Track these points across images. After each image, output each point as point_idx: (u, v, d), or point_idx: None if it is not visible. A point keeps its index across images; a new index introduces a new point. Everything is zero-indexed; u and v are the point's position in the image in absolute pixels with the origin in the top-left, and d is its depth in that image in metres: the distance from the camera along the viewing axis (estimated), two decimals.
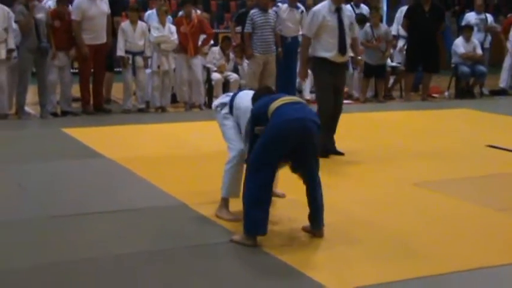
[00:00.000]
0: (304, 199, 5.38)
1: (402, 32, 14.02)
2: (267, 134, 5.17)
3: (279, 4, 13.22)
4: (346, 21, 8.27)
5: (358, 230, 5.60)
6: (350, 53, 8.73)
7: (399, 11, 14.87)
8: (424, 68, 13.50)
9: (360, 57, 8.96)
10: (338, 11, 8.23)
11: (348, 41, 8.30)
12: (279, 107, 5.21)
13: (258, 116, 5.33)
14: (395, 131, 10.19)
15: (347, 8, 8.50)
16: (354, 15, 8.66)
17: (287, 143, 5.15)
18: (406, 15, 13.66)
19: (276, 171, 5.33)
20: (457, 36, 14.57)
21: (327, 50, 8.23)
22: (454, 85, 14.34)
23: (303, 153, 5.27)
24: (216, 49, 12.71)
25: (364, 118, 11.22)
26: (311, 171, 5.35)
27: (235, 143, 5.83)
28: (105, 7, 11.35)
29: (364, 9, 14.44)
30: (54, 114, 11.15)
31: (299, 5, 12.96)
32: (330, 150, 8.25)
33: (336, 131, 8.41)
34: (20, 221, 5.72)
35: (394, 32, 14.06)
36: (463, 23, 14.91)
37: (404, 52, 13.91)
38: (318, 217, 5.38)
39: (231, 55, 12.70)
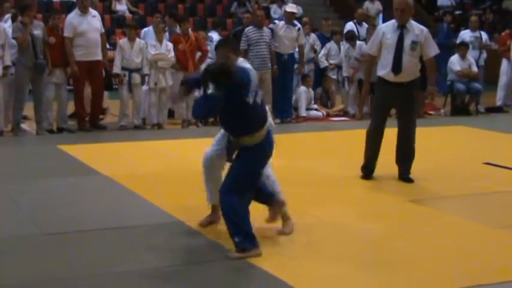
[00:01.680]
0: None
1: None
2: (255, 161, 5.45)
3: (276, 21, 13.25)
4: (407, 41, 7.76)
5: (353, 244, 5.58)
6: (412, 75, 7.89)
7: None
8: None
9: (430, 87, 8.24)
10: (401, 29, 7.81)
11: (407, 60, 7.75)
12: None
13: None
14: (391, 148, 10.13)
15: (417, 27, 7.86)
16: (425, 34, 7.81)
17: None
18: None
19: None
20: (453, 54, 14.58)
21: (382, 67, 7.91)
22: (449, 102, 14.35)
23: None
24: None
25: (359, 135, 11.18)
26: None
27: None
28: (98, 24, 11.36)
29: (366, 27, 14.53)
30: (50, 131, 11.11)
31: (296, 22, 12.98)
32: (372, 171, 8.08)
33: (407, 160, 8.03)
34: (15, 238, 5.68)
35: None
36: (458, 41, 14.94)
37: None
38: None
39: None
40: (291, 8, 13.40)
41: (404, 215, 6.56)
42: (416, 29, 7.84)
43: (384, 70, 7.85)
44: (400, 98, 7.85)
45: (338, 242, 5.69)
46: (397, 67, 7.75)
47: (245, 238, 5.24)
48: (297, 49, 13.07)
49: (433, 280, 4.88)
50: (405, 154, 8.03)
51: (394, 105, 8.06)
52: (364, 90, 8.51)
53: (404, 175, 7.97)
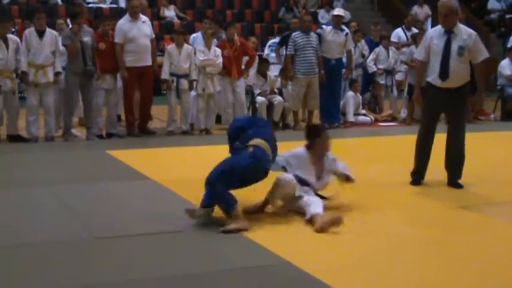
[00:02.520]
0: None
1: None
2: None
3: (324, 26, 13.25)
4: (454, 46, 7.65)
5: (402, 250, 5.54)
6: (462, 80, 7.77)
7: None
8: None
9: (477, 94, 8.10)
10: (448, 34, 7.72)
11: (455, 66, 7.64)
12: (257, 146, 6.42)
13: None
14: (440, 154, 10.05)
15: (465, 31, 7.75)
16: (473, 38, 7.67)
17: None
18: None
19: None
20: (504, 58, 14.43)
21: (431, 73, 7.85)
22: (500, 107, 14.19)
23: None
24: (254, 72, 12.70)
25: (408, 140, 11.11)
26: None
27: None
28: (148, 30, 11.47)
29: (415, 32, 14.48)
30: (100, 136, 11.25)
31: (344, 27, 12.96)
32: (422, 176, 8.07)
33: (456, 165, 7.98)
34: (65, 241, 5.74)
35: None
36: (509, 45, 14.79)
37: None
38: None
39: (270, 76, 12.67)
40: (338, 11, 13.40)
41: (452, 220, 6.50)
42: (465, 33, 7.72)
43: (432, 76, 7.79)
44: (449, 103, 7.78)
45: (379, 246, 5.67)
46: (444, 73, 7.67)
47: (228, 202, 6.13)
48: (345, 54, 13.05)
49: (473, 284, 4.83)
50: (454, 160, 7.95)
51: (443, 110, 7.99)
52: (415, 96, 8.41)
53: (453, 180, 7.90)
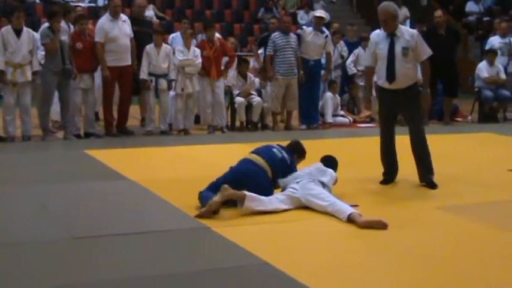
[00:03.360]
0: None
1: None
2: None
3: (304, 27, 13.29)
4: (398, 48, 7.83)
5: (385, 250, 5.59)
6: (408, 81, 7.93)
7: None
8: (443, 92, 13.47)
9: (422, 90, 8.23)
10: (391, 37, 7.89)
11: (401, 67, 7.80)
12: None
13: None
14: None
15: (407, 32, 7.98)
16: (415, 38, 7.88)
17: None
18: None
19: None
20: (481, 61, 14.54)
21: (379, 76, 8.05)
22: (477, 109, 14.30)
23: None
24: (234, 73, 12.72)
25: None
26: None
27: None
28: (128, 29, 11.45)
29: None
30: (78, 136, 11.22)
31: (324, 29, 13.01)
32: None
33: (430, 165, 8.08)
34: (43, 242, 5.73)
35: None
36: (487, 47, 14.87)
37: None
38: None
39: (250, 76, 12.70)
40: (319, 13, 13.44)
41: (429, 221, 6.55)
42: (407, 34, 7.93)
43: (380, 79, 8.00)
44: (401, 103, 7.98)
45: (357, 247, 5.71)
46: (390, 75, 7.85)
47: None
48: (324, 55, 13.10)
49: (458, 287, 4.88)
50: (420, 156, 8.07)
51: (397, 111, 8.19)
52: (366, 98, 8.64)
53: (426, 179, 7.99)
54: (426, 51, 7.99)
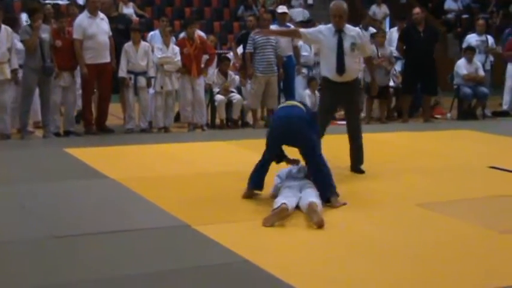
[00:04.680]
0: None
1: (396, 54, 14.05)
2: (269, 127, 7.41)
3: (271, 26, 13.26)
4: (346, 43, 8.35)
5: (364, 248, 5.60)
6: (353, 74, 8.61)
7: (388, 32, 15.06)
8: (422, 90, 13.52)
9: (371, 82, 8.96)
10: (339, 33, 8.36)
11: (349, 61, 8.34)
12: (277, 110, 7.35)
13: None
14: (398, 152, 10.18)
15: (352, 29, 8.51)
16: (360, 35, 8.57)
17: (274, 134, 7.06)
18: (401, 38, 13.70)
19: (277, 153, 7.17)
20: (460, 58, 14.60)
21: (327, 70, 8.46)
22: (456, 106, 14.36)
23: (294, 142, 7.01)
24: (215, 71, 12.70)
25: (366, 139, 11.19)
26: (307, 156, 7.01)
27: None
28: (106, 26, 11.41)
29: (373, 31, 14.63)
30: (57, 134, 11.17)
31: (289, 24, 13.04)
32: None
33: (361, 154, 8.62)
34: (23, 241, 5.70)
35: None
36: (464, 45, 14.93)
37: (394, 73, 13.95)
38: (324, 191, 6.79)
39: (231, 74, 12.67)
40: (282, 9, 13.62)
41: (408, 219, 6.57)
42: (353, 31, 8.50)
43: (329, 72, 8.43)
44: (346, 95, 8.43)
45: (338, 244, 5.73)
46: (340, 68, 8.32)
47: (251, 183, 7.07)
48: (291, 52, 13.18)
49: (436, 283, 4.91)
50: (356, 148, 8.59)
51: (340, 103, 8.73)
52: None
53: (356, 167, 8.54)
54: (371, 48, 8.81)
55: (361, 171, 8.53)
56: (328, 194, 6.84)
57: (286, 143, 7.14)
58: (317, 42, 8.86)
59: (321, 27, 8.82)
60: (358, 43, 8.43)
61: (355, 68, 8.60)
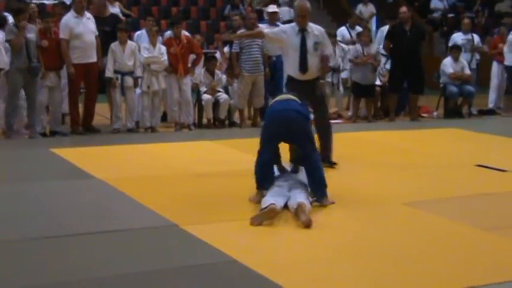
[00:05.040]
0: None
1: (383, 52, 14.08)
2: (264, 122, 7.19)
3: (259, 25, 13.26)
4: (310, 42, 8.53)
5: (352, 247, 5.62)
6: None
7: (380, 30, 15.08)
8: (409, 88, 13.55)
9: (322, 81, 8.94)
10: (302, 32, 8.53)
11: (311, 60, 8.53)
12: (272, 104, 7.10)
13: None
14: (384, 150, 10.20)
15: (315, 28, 8.69)
16: (323, 34, 8.76)
17: (272, 129, 6.90)
18: (387, 36, 13.74)
19: (274, 150, 7.03)
20: (446, 57, 14.64)
21: (291, 68, 8.63)
22: (442, 105, 14.41)
23: (292, 137, 6.93)
24: (202, 70, 12.68)
25: (352, 138, 11.24)
26: (305, 151, 6.90)
27: None
28: (93, 26, 11.37)
29: (359, 30, 14.65)
30: (43, 135, 11.13)
31: (279, 23, 13.03)
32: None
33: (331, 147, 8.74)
34: (9, 242, 5.68)
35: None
36: (450, 44, 14.98)
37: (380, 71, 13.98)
38: (317, 188, 6.83)
39: (218, 74, 12.66)
40: (272, 8, 13.61)
41: (395, 218, 6.59)
42: (316, 30, 8.69)
43: (292, 70, 8.62)
44: (309, 93, 8.43)
45: (326, 243, 5.74)
46: (303, 67, 8.53)
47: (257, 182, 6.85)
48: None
49: (423, 282, 4.93)
50: (325, 142, 8.64)
51: (306, 100, 8.53)
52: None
53: (327, 160, 8.51)
54: (330, 47, 9.06)
55: (333, 164, 8.67)
56: (321, 192, 6.84)
57: (285, 138, 7.03)
58: (280, 42, 8.87)
59: (285, 26, 9.03)
60: (321, 42, 8.64)
61: (317, 67, 8.68)
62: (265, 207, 6.22)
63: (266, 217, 6.17)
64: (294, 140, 7.01)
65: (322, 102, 8.85)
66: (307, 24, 8.60)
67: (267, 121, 7.09)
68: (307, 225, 6.06)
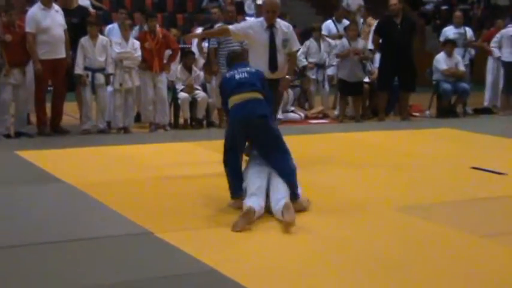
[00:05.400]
0: None
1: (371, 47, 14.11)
2: (228, 128, 7.23)
3: (247, 18, 13.24)
4: (278, 39, 8.62)
5: (337, 254, 5.63)
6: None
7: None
8: (399, 86, 13.58)
9: (287, 77, 9.03)
10: (270, 29, 8.61)
11: (280, 58, 8.66)
12: (232, 106, 6.96)
13: (225, 92, 7.16)
14: (374, 152, 10.23)
15: (283, 24, 8.81)
16: (290, 30, 8.84)
17: (237, 134, 6.95)
18: (376, 30, 13.75)
19: (241, 153, 7.08)
20: (438, 52, 14.67)
21: (258, 66, 8.36)
22: (435, 103, 14.46)
23: (257, 140, 7.07)
24: (178, 67, 12.67)
25: (339, 139, 11.26)
26: (266, 152, 7.03)
27: None
28: (62, 19, 11.32)
29: (347, 24, 14.64)
30: (7, 136, 11.07)
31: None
32: None
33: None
34: None
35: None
36: (442, 38, 15.04)
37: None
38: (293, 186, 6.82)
39: (195, 70, 12.65)
40: (261, 0, 13.50)
41: (386, 224, 6.60)
42: (284, 26, 8.80)
43: (260, 69, 8.29)
44: (275, 92, 8.53)
45: (308, 251, 5.75)
46: (273, 65, 8.62)
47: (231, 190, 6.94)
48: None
49: None
50: None
51: None
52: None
53: None
54: (297, 43, 9.13)
55: None
56: (294, 193, 6.82)
57: (249, 136, 7.05)
58: (247, 38, 8.91)
59: (252, 21, 9.15)
60: (289, 39, 8.75)
61: (285, 65, 8.83)
62: (244, 211, 6.33)
63: (246, 221, 6.24)
64: (261, 145, 7.10)
65: (279, 103, 9.02)
66: (275, 20, 8.69)
67: (230, 130, 7.11)
68: (290, 223, 6.17)
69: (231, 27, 9.00)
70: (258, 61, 8.51)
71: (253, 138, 7.07)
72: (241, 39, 9.52)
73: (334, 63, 14.02)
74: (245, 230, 6.14)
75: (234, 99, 6.97)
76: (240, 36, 9.19)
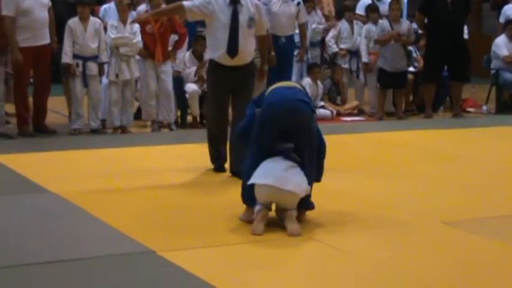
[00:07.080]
0: None
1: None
2: (259, 116, 6.81)
3: None
4: (243, 18, 8.58)
5: (378, 272, 5.70)
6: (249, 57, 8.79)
7: None
8: (450, 76, 13.53)
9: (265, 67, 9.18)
10: (234, 5, 8.53)
11: (244, 40, 8.57)
12: (272, 89, 6.86)
13: (260, 99, 6.96)
14: (418, 156, 10.24)
15: (250, 2, 8.71)
16: (259, 8, 8.84)
17: (272, 123, 6.70)
18: (421, 9, 13.69)
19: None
20: (498, 35, 14.59)
21: (214, 49, 8.58)
22: (494, 97, 14.41)
23: (296, 133, 6.75)
24: (187, 54, 12.74)
25: (378, 139, 11.26)
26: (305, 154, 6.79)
27: None
28: None
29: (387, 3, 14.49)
30: None
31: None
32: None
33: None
34: None
35: None
36: (502, 19, 14.91)
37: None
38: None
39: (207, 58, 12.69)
40: None
41: (433, 239, 6.63)
42: (251, 3, 8.71)
43: (217, 52, 8.50)
44: (239, 82, 8.55)
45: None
46: (233, 49, 8.52)
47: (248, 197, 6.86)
48: (297, 30, 13.15)
49: None
50: (236, 143, 8.47)
51: (232, 92, 8.71)
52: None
53: (236, 167, 8.45)
54: (267, 23, 9.26)
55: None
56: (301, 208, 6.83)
57: (285, 137, 6.79)
58: (205, 17, 8.74)
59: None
60: (256, 18, 8.68)
61: (251, 49, 8.75)
62: (257, 212, 6.64)
63: (263, 223, 6.59)
64: (300, 139, 6.81)
65: (249, 95, 8.52)
66: None
67: (264, 115, 6.80)
68: (294, 235, 6.47)
69: (185, 3, 8.74)
70: (214, 44, 8.57)
71: (288, 130, 6.76)
72: (198, 18, 9.11)
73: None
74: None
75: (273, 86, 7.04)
76: (197, 15, 8.83)
